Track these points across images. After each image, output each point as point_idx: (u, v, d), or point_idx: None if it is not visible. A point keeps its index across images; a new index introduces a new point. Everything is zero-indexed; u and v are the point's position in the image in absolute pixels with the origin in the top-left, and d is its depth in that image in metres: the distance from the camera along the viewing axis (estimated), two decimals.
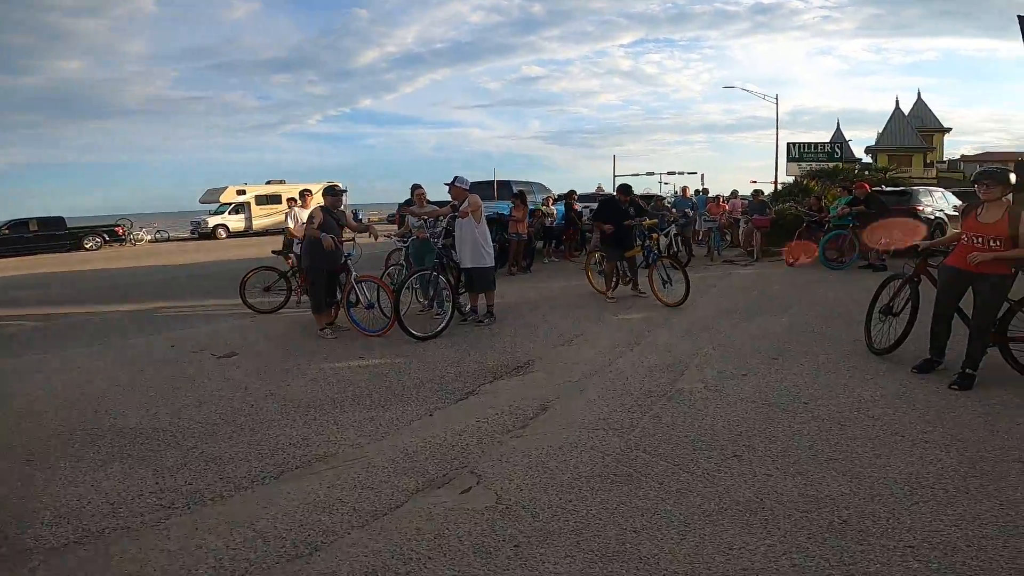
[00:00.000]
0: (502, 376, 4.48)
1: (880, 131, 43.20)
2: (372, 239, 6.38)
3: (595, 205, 14.54)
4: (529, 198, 13.08)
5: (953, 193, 14.76)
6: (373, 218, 36.25)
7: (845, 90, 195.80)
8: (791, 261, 10.87)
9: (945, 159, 46.85)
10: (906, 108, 44.10)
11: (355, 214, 37.93)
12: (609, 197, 8.91)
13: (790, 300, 7.25)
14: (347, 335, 5.93)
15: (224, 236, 26.39)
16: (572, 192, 13.76)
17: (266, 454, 3.28)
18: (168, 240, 27.76)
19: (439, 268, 5.88)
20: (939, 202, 12.86)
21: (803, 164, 24.29)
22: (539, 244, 12.39)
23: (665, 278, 7.26)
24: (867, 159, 37.61)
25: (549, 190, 14.52)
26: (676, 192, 24.34)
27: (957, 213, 13.53)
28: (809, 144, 24.75)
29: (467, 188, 6.19)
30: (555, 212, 12.38)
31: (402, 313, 5.71)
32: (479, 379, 4.41)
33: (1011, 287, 3.76)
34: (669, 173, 40.71)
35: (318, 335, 5.91)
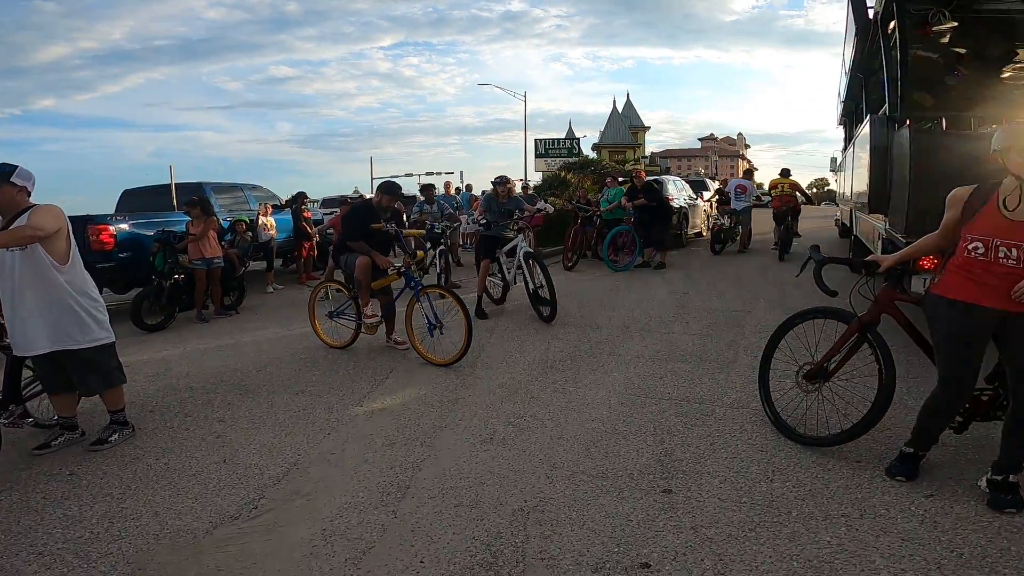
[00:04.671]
0: None
1: (602, 130, 48.52)
2: None
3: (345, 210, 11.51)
4: (244, 208, 9.35)
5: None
6: None
7: (571, 94, 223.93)
8: (569, 265, 9.52)
9: (647, 154, 55.18)
10: (619, 109, 50.35)
11: None
12: (361, 203, 6.05)
13: (603, 331, 5.40)
14: None
15: None
16: (301, 195, 10.29)
17: None
18: None
19: None
20: (681, 192, 13.03)
21: (549, 160, 24.79)
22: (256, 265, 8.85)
23: (433, 321, 4.72)
24: (594, 155, 41.59)
25: (274, 194, 10.82)
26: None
27: (697, 202, 14.21)
28: (553, 140, 25.46)
29: (28, 189, 2.90)
30: (273, 223, 8.90)
31: None
32: None
33: None
34: (427, 174, 39.29)
35: None
